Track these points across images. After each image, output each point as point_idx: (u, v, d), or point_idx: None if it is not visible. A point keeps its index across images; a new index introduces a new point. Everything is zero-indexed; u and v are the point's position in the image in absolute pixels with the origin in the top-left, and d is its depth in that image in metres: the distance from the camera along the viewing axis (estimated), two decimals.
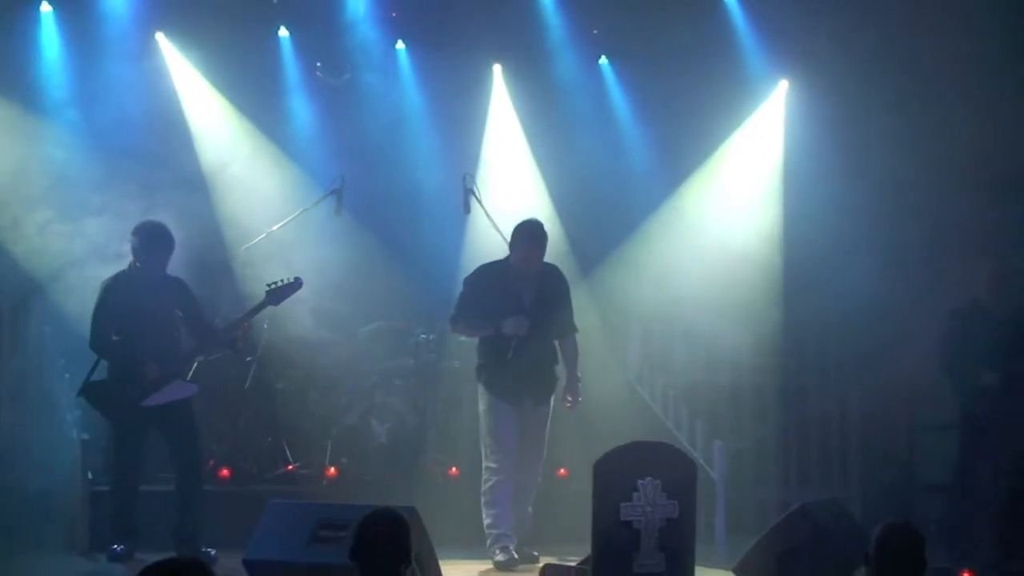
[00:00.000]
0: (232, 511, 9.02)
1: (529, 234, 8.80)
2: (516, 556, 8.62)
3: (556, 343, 8.99)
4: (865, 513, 10.69)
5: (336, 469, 10.38)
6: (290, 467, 10.43)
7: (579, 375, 8.98)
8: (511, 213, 10.96)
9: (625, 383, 11.58)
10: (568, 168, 11.88)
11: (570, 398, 8.90)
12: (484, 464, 8.83)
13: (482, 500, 8.78)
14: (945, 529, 9.96)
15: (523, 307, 8.75)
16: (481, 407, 8.89)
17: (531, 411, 8.81)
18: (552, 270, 9.05)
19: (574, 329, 9.04)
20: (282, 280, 9.14)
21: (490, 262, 9.07)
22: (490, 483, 8.76)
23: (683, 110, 11.76)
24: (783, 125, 12.07)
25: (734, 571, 7.98)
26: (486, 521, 8.73)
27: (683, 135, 11.92)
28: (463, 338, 9.87)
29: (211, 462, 10.01)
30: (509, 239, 8.95)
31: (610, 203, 11.78)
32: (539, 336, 8.77)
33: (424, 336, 10.94)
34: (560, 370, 9.04)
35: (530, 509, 8.91)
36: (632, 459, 7.49)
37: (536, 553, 8.79)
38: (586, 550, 7.56)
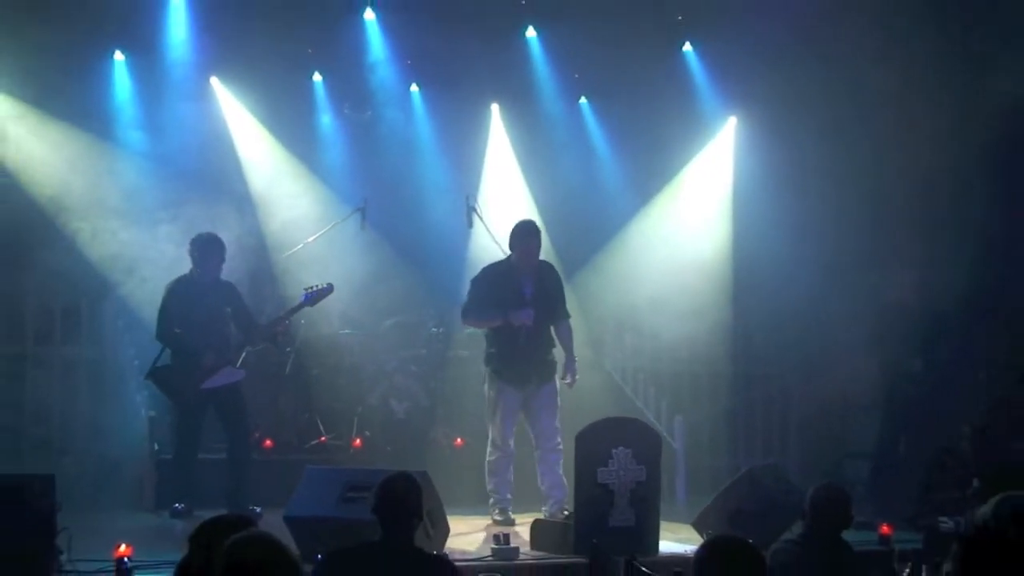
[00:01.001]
0: (274, 475, 9.01)
1: (526, 232, 8.66)
2: (513, 518, 8.47)
3: (552, 330, 8.79)
4: (802, 476, 10.68)
5: (361, 440, 10.35)
6: (323, 439, 10.41)
7: (575, 356, 8.80)
8: (507, 227, 10.99)
9: (602, 369, 11.56)
10: (553, 191, 11.86)
11: (569, 376, 8.70)
12: (490, 439, 8.68)
13: (486, 470, 8.68)
14: (868, 490, 9.97)
15: (525, 298, 8.59)
16: (488, 391, 8.65)
17: (535, 391, 8.59)
18: (547, 266, 8.94)
19: (567, 315, 8.88)
20: (317, 285, 9.13)
21: (494, 262, 8.92)
22: (493, 456, 8.65)
23: (650, 142, 11.77)
24: (732, 155, 12.06)
25: (692, 525, 7.96)
26: (488, 487, 8.66)
27: (649, 163, 11.93)
28: (469, 330, 9.80)
29: (257, 434, 9.96)
30: (509, 239, 8.78)
31: (588, 220, 11.76)
32: (541, 323, 8.60)
33: (435, 330, 10.95)
34: (558, 353, 8.83)
35: (560, 472, 8.54)
36: (607, 432, 7.51)
37: (567, 511, 8.16)
38: (570, 507, 7.56)
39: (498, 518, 8.55)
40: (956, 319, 9.95)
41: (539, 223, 11.28)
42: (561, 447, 8.56)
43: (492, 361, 8.66)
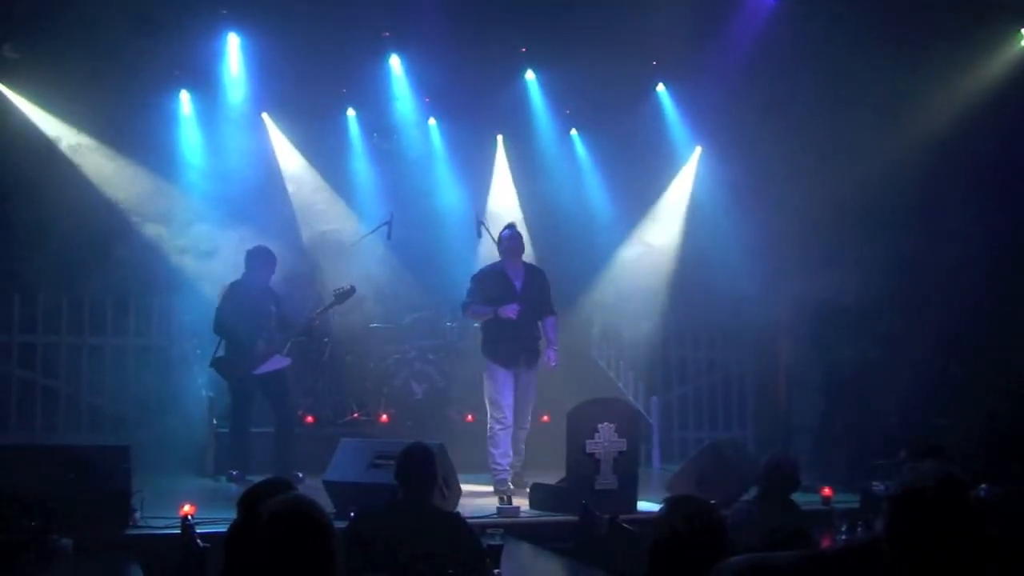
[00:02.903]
0: (315, 446, 8.92)
1: (508, 235, 8.78)
2: (512, 485, 8.44)
3: (540, 324, 8.82)
4: (757, 447, 10.68)
5: (387, 417, 10.34)
6: (355, 415, 10.41)
7: (557, 346, 8.79)
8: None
9: (589, 357, 11.56)
10: (548, 209, 11.82)
11: (551, 358, 8.71)
12: (489, 416, 8.66)
13: (488, 442, 8.64)
14: (812, 458, 9.93)
15: (516, 290, 8.66)
16: (486, 373, 8.68)
17: (523, 373, 8.64)
18: (536, 268, 9.03)
19: (553, 311, 8.91)
20: (343, 287, 9.15)
21: (489, 264, 9.08)
22: (494, 430, 8.63)
23: (630, 168, 11.72)
24: (693, 176, 12.02)
25: (666, 488, 7.94)
26: (491, 458, 8.61)
27: (629, 186, 11.86)
28: (476, 324, 9.80)
29: (300, 412, 9.95)
30: (497, 242, 8.95)
31: (577, 233, 11.72)
32: (528, 312, 8.64)
33: (449, 324, 10.93)
34: (543, 344, 8.88)
35: (523, 446, 8.77)
36: (594, 410, 7.53)
37: (526, 480, 8.56)
38: (562, 473, 7.55)
39: (500, 487, 8.35)
40: (885, 314, 9.92)
41: (532, 236, 11.48)
42: (528, 425, 8.68)
43: (487, 347, 8.70)
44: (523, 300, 8.60)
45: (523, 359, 8.64)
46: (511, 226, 8.87)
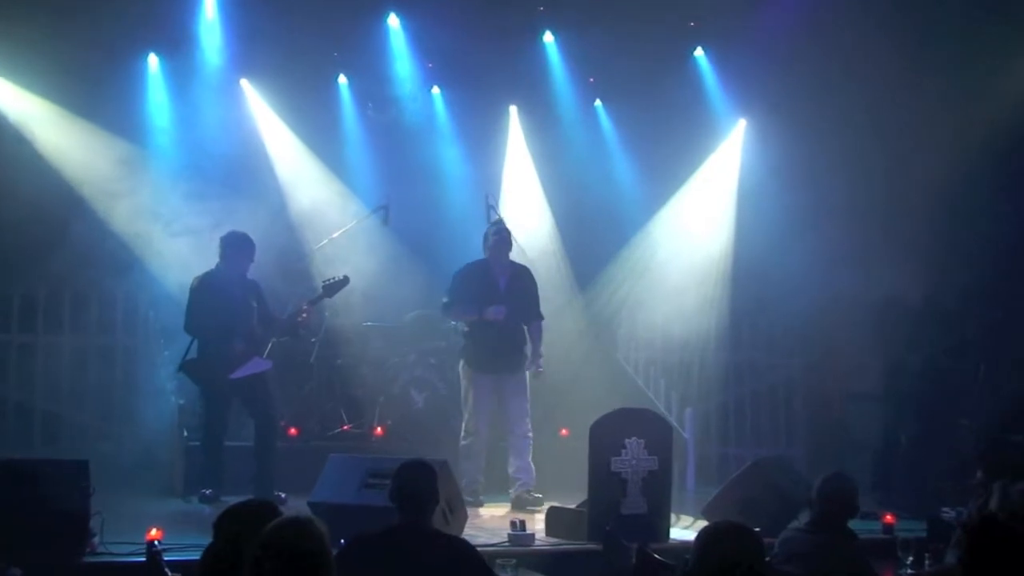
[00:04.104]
0: (299, 462, 8.95)
1: (496, 229, 9.04)
2: (481, 499, 8.70)
3: (525, 328, 9.04)
4: (808, 467, 10.64)
5: (383, 429, 10.33)
6: (346, 427, 10.40)
7: (542, 352, 8.97)
8: (523, 224, 10.98)
9: (615, 361, 11.53)
10: (568, 190, 11.82)
11: (534, 368, 8.92)
12: (463, 424, 8.88)
13: (461, 455, 8.82)
14: (872, 480, 9.89)
15: (499, 291, 8.87)
16: (463, 379, 8.94)
17: (507, 378, 8.86)
18: (523, 268, 9.24)
19: (540, 316, 9.09)
20: (334, 277, 9.10)
21: (472, 261, 9.16)
22: (466, 442, 8.82)
23: (663, 144, 11.67)
24: (740, 155, 11.98)
25: (701, 513, 7.91)
26: (465, 475, 8.65)
27: (661, 164, 11.85)
28: (453, 323, 9.83)
29: (282, 423, 9.93)
30: (483, 239, 9.07)
31: (602, 217, 11.72)
32: (513, 318, 8.84)
33: (454, 323, 10.86)
34: (528, 350, 9.10)
35: (530, 459, 8.85)
36: (621, 422, 7.49)
37: (540, 496, 8.74)
38: (583, 496, 7.52)
39: (468, 499, 8.44)
40: (957, 316, 9.86)
41: (551, 220, 11.46)
42: (531, 434, 8.88)
43: (467, 351, 8.95)
44: (507, 301, 8.83)
45: (506, 365, 8.85)
46: (499, 222, 9.18)
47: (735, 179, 12.01)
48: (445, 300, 9.05)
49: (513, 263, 9.16)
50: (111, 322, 10.52)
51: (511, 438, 8.89)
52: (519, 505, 8.67)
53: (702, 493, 9.51)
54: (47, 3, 9.25)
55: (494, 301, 8.78)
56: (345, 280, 9.10)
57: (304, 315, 9.02)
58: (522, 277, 9.12)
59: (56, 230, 9.83)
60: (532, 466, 8.85)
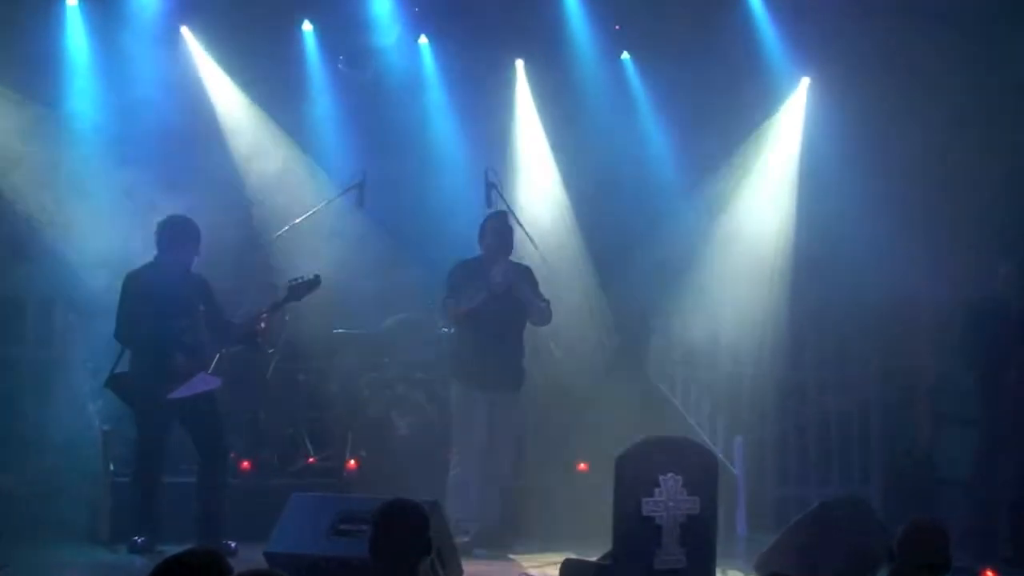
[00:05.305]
0: (253, 504, 8.98)
1: (495, 228, 9.39)
2: (474, 548, 8.83)
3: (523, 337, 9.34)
4: (886, 509, 10.63)
5: (357, 462, 10.34)
6: (311, 460, 10.42)
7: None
8: (532, 207, 10.98)
9: (646, 378, 11.54)
10: (587, 164, 11.85)
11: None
12: (453, 451, 9.17)
13: (450, 493, 9.04)
14: (965, 526, 9.87)
15: (497, 296, 9.16)
16: (454, 396, 9.23)
17: (501, 399, 9.09)
18: (524, 268, 9.57)
19: (543, 299, 9.37)
20: (303, 277, 9.10)
21: (466, 260, 9.51)
22: (455, 471, 9.09)
23: (705, 108, 11.67)
24: (802, 123, 11.99)
25: (754, 568, 7.91)
26: (449, 509, 8.67)
27: (705, 133, 11.85)
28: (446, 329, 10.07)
29: (232, 454, 9.92)
30: (479, 233, 9.38)
31: (630, 198, 11.74)
32: (510, 318, 9.15)
33: (446, 329, 10.86)
34: (527, 363, 9.39)
35: (498, 493, 9.15)
36: (654, 454, 7.46)
37: (508, 541, 9.08)
38: (607, 546, 7.51)
39: (464, 538, 8.63)
40: None
41: (568, 202, 11.50)
42: (508, 468, 9.28)
43: (458, 363, 9.28)
44: (506, 299, 9.13)
45: (502, 379, 9.10)
46: (499, 217, 9.40)
47: (795, 152, 12.02)
48: (445, 296, 9.33)
49: (512, 263, 9.46)
50: (18, 330, 10.51)
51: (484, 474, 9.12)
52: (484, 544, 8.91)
53: (755, 542, 9.55)
54: None
55: (490, 306, 9.07)
56: (316, 281, 9.09)
57: (264, 322, 9.03)
58: (523, 275, 9.44)
59: None
60: (498, 501, 9.11)
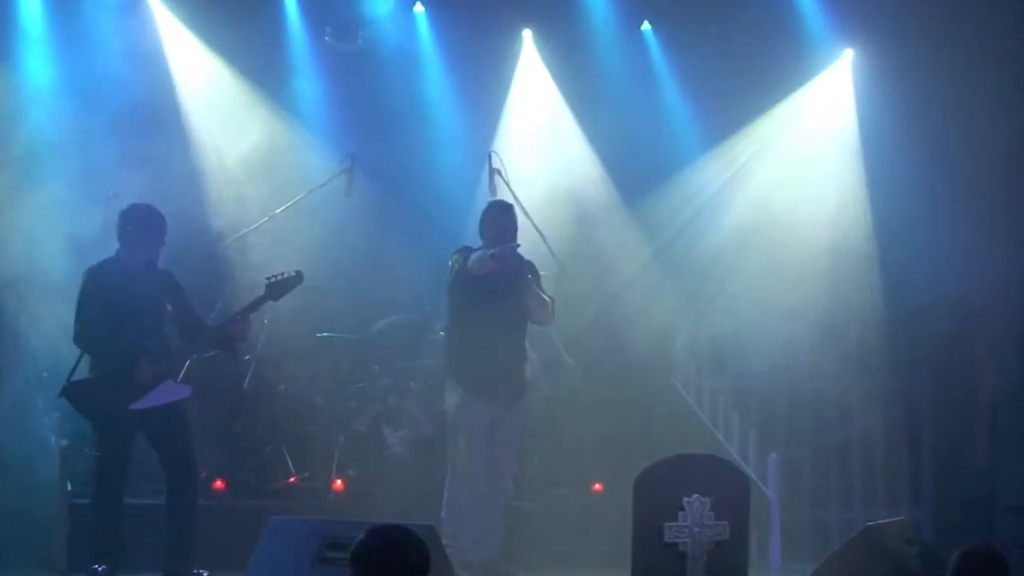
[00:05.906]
0: (228, 528, 9.03)
1: (498, 205, 9.41)
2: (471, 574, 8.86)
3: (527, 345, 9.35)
4: (939, 536, 10.64)
5: (343, 481, 10.38)
6: (292, 479, 10.44)
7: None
8: (538, 194, 10.96)
9: (669, 387, 11.54)
10: (605, 144, 11.93)
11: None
12: (449, 467, 9.09)
13: (447, 513, 9.00)
14: None
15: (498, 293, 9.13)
16: (450, 405, 9.15)
17: (505, 409, 9.06)
18: (529, 263, 9.42)
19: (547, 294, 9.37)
20: (283, 273, 9.09)
21: (468, 246, 9.39)
22: (454, 488, 9.02)
23: (734, 82, 11.69)
24: (853, 97, 12.01)
25: None
26: (452, 540, 8.74)
27: (735, 109, 11.90)
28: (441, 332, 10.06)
29: (204, 473, 9.94)
30: (479, 224, 9.30)
31: (650, 182, 11.79)
32: (512, 315, 9.16)
33: (443, 334, 10.88)
34: (529, 368, 9.39)
35: (501, 512, 9.12)
36: (677, 474, 7.46)
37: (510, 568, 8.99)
38: (625, 575, 7.51)
39: (463, 574, 8.62)
40: None
41: (579, 193, 11.60)
42: (511, 486, 9.28)
43: (456, 368, 9.20)
44: (509, 293, 9.10)
45: (505, 388, 9.09)
46: (504, 212, 9.31)
47: (836, 132, 12.07)
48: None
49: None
50: None
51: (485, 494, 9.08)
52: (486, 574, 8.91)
53: (791, 572, 9.55)
54: None
55: (490, 305, 9.06)
56: (297, 277, 9.10)
57: (239, 324, 9.02)
58: (529, 272, 9.36)
59: None
60: (501, 524, 9.09)
